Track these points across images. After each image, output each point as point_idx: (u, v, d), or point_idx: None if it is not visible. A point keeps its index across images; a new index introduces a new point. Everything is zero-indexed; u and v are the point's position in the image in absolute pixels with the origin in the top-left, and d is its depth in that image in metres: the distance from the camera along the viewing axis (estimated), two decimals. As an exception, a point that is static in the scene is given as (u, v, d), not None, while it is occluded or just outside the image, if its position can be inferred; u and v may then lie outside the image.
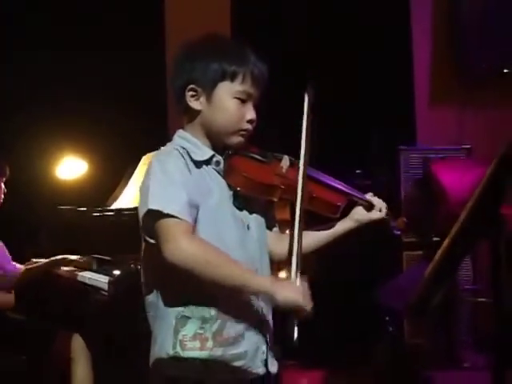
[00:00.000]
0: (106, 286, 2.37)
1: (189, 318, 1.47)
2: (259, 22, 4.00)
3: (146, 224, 1.44)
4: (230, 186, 1.53)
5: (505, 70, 4.23)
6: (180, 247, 1.38)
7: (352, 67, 4.06)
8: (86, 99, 3.63)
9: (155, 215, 1.41)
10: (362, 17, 4.16)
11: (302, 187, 1.53)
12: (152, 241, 1.45)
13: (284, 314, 1.41)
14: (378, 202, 1.69)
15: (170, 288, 1.48)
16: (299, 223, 1.51)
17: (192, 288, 1.46)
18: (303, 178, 1.54)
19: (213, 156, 1.53)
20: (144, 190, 1.46)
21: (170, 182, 1.43)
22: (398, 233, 1.77)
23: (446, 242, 1.02)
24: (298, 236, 1.49)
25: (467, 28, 4.20)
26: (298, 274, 1.44)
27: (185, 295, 1.47)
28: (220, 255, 1.42)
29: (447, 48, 4.35)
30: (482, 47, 4.15)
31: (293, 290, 1.41)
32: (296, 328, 1.38)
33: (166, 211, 1.39)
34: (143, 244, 1.52)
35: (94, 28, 3.74)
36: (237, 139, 1.54)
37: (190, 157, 1.50)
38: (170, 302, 1.48)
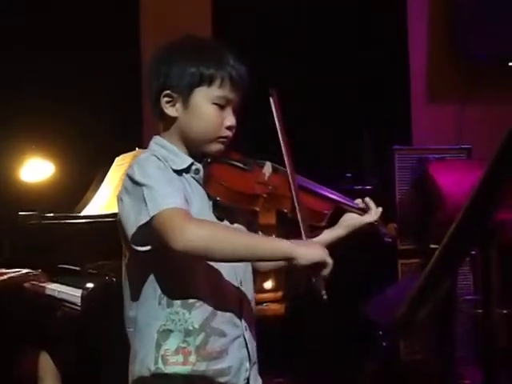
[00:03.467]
0: (78, 300, 2.39)
1: (171, 331, 1.51)
2: (243, 17, 4.04)
3: (139, 233, 1.46)
4: (209, 196, 1.57)
5: (510, 64, 4.30)
6: (186, 230, 1.41)
7: (341, 57, 4.11)
8: (53, 97, 3.65)
9: (153, 218, 1.44)
10: (356, 6, 4.23)
11: (294, 186, 1.61)
12: (145, 248, 1.48)
13: (305, 275, 1.49)
14: (371, 207, 1.75)
15: (152, 300, 1.53)
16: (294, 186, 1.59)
17: (175, 299, 1.51)
18: (293, 181, 1.62)
19: (192, 164, 1.57)
20: (132, 200, 1.48)
21: (157, 182, 1.47)
22: (389, 240, 1.82)
23: (435, 254, 1.09)
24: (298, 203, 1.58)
25: (467, 16, 4.27)
26: (308, 235, 1.54)
27: (167, 307, 1.52)
28: (230, 229, 1.50)
29: (445, 38, 4.40)
30: (483, 37, 4.21)
31: (313, 246, 1.48)
32: (323, 287, 1.47)
33: (163, 208, 1.43)
34: (126, 255, 1.56)
35: (64, 25, 3.76)
36: (216, 147, 1.59)
37: (169, 165, 1.54)
38: (151, 316, 1.53)
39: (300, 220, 1.58)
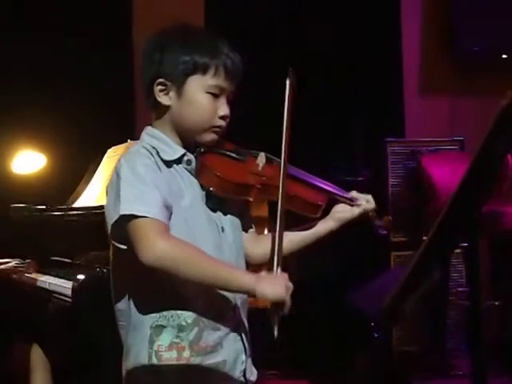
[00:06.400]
0: (69, 292, 2.39)
1: (164, 326, 1.50)
2: (236, 11, 4.03)
3: (117, 230, 1.46)
4: (202, 187, 1.55)
5: (503, 56, 4.30)
6: (156, 247, 1.40)
7: (333, 50, 4.10)
8: (45, 88, 3.63)
9: (128, 219, 1.43)
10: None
11: (283, 184, 1.57)
12: (123, 247, 1.48)
13: (264, 310, 1.45)
14: (363, 198, 1.72)
15: (143, 295, 1.52)
16: (280, 218, 1.53)
17: (167, 295, 1.50)
18: (283, 175, 1.57)
19: (184, 154, 1.56)
20: (114, 194, 1.48)
21: (141, 183, 1.45)
22: (384, 232, 1.80)
23: (422, 244, 1.08)
24: (279, 230, 1.53)
25: (461, 8, 4.26)
26: (279, 268, 1.48)
27: (159, 303, 1.51)
28: (198, 253, 1.45)
29: (439, 31, 4.40)
30: (477, 30, 4.21)
31: (276, 284, 1.42)
32: (277, 325, 1.42)
33: (139, 214, 1.42)
34: (112, 249, 1.55)
35: (57, 17, 3.75)
36: (209, 136, 1.57)
37: (160, 156, 1.53)
38: (143, 311, 1.52)
39: (278, 225, 1.54)
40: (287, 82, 1.62)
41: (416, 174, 3.62)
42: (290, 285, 1.43)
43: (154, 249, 1.40)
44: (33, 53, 3.65)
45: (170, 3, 3.96)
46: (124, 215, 1.43)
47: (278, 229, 1.53)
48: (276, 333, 1.41)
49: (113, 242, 1.50)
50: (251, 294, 1.45)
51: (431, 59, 4.41)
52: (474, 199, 1.05)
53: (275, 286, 1.42)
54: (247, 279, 1.44)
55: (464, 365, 3.40)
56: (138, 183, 1.45)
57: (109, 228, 1.47)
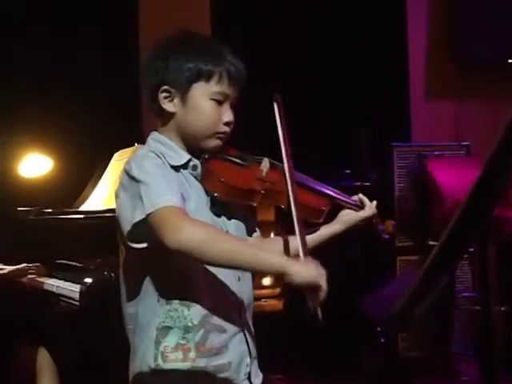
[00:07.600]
0: (76, 295, 2.39)
1: (170, 328, 1.51)
2: (242, 17, 4.04)
3: (137, 230, 1.46)
4: (207, 192, 1.57)
5: (509, 60, 4.30)
6: (182, 229, 1.40)
7: (340, 55, 4.11)
8: (52, 91, 3.65)
9: (149, 214, 1.44)
10: (356, 5, 4.22)
11: (292, 185, 1.59)
12: (142, 245, 1.49)
13: (301, 294, 1.43)
14: (366, 203, 1.76)
15: (151, 297, 1.53)
16: (297, 215, 1.56)
17: (174, 296, 1.51)
18: (291, 179, 1.60)
19: (189, 160, 1.57)
20: (127, 196, 1.49)
21: (155, 180, 1.47)
22: (387, 237, 1.82)
23: (434, 250, 1.09)
24: (298, 223, 1.54)
25: (466, 13, 4.27)
26: (307, 253, 1.48)
27: (166, 304, 1.52)
28: (226, 234, 1.48)
29: (444, 35, 4.41)
30: (482, 34, 4.22)
31: (309, 266, 1.43)
32: (319, 310, 1.40)
33: (162, 204, 1.43)
34: (124, 253, 1.56)
35: (63, 20, 3.76)
36: (214, 142, 1.58)
37: (167, 161, 1.54)
38: (150, 313, 1.53)
39: (295, 217, 1.56)
40: (275, 107, 1.65)
41: (422, 179, 3.62)
42: (323, 271, 1.43)
43: (181, 233, 1.40)
44: (38, 56, 3.66)
45: (176, 5, 3.97)
46: (149, 214, 1.43)
47: (295, 221, 1.55)
48: (320, 316, 1.40)
49: (129, 243, 1.50)
50: (283, 275, 1.42)
51: (437, 64, 4.41)
52: (485, 206, 1.05)
53: (310, 268, 1.42)
54: (280, 259, 1.46)
55: (469, 370, 3.40)
56: (153, 180, 1.47)
57: (124, 231, 1.48)
